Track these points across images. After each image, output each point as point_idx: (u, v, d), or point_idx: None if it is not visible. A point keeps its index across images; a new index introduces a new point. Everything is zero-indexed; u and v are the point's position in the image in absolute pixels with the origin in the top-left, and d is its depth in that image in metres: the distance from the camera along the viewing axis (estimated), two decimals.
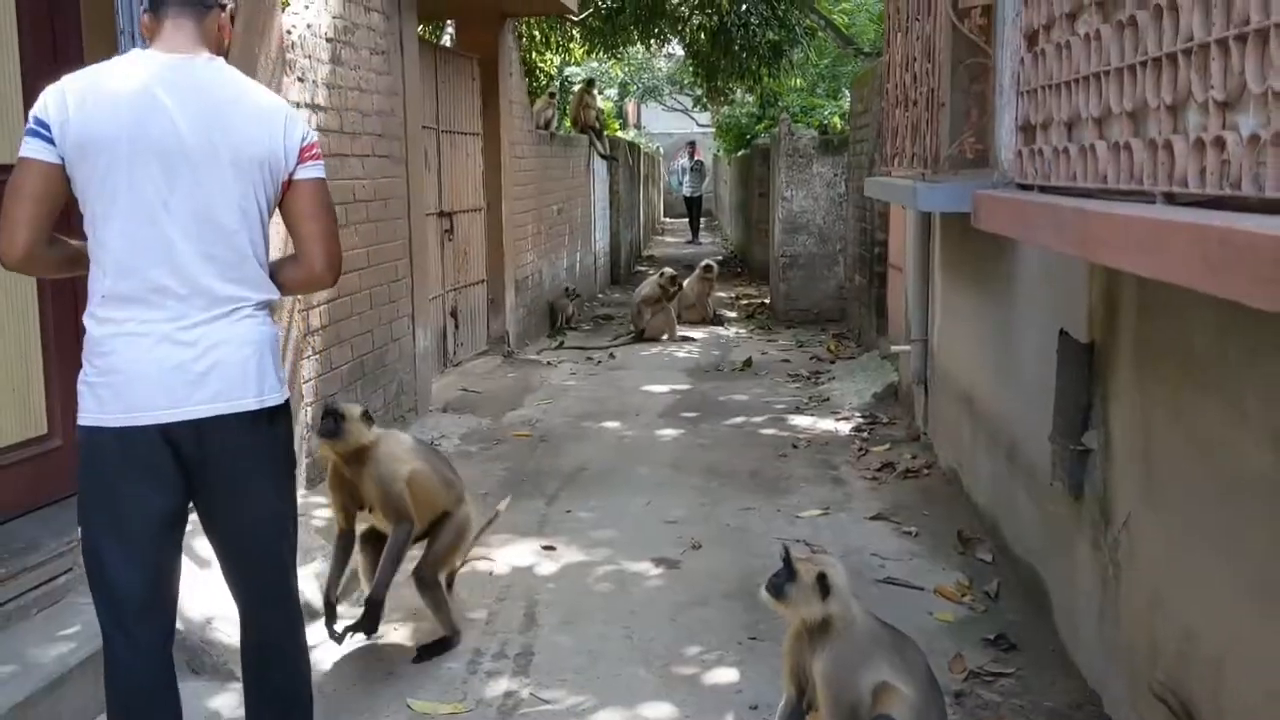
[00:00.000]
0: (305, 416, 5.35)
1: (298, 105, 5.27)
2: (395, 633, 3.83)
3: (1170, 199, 1.97)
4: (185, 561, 3.61)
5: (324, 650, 3.67)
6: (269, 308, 2.53)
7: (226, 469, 2.45)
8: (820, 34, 17.97)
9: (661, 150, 35.66)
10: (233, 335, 2.39)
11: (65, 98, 2.31)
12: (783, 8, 16.35)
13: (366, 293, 6.17)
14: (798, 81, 22.47)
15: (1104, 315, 3.19)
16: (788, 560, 2.62)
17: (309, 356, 5.39)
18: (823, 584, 2.59)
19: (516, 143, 9.83)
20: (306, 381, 5.37)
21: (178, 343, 2.34)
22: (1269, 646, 2.23)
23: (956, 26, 4.06)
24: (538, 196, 10.79)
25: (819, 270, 11.29)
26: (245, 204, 2.40)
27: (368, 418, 3.49)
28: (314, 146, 2.52)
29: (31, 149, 2.30)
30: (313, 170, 2.51)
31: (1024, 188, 3.01)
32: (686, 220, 25.87)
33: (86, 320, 2.39)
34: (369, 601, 3.58)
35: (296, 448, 5.18)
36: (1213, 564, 2.50)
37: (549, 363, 9.18)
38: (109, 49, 3.83)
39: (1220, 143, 1.75)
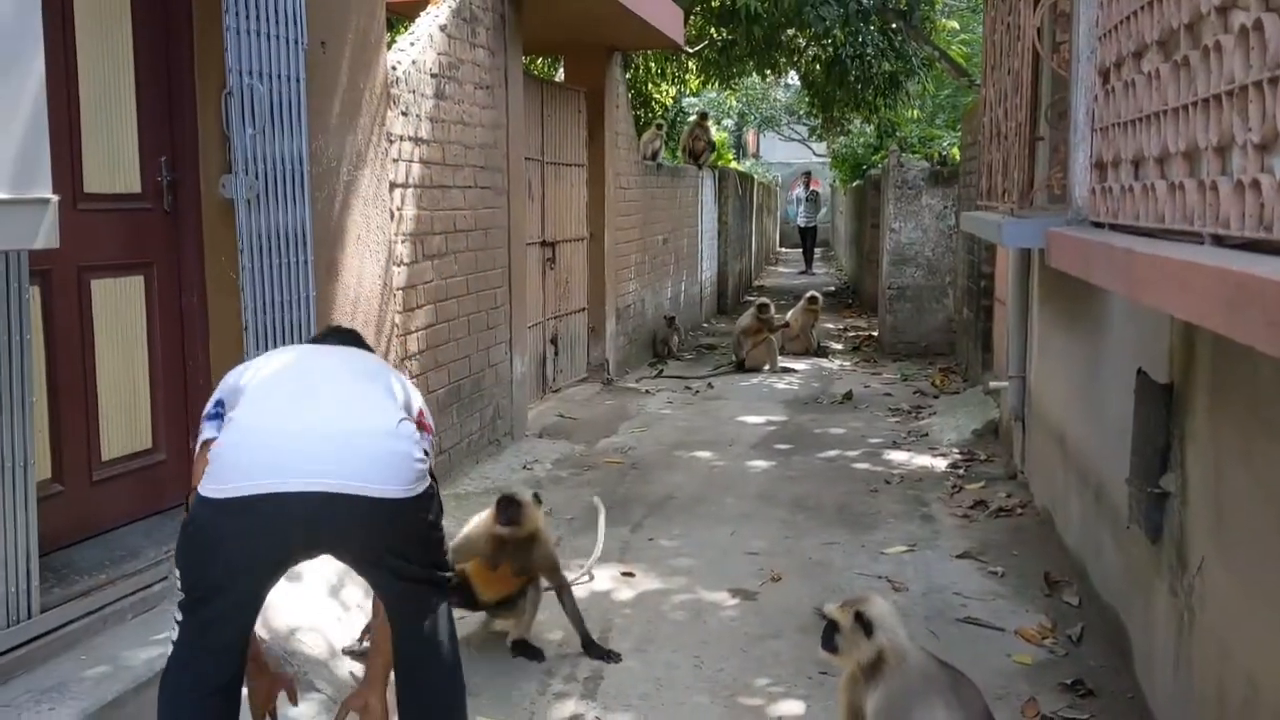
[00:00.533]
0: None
1: (400, 138, 5.48)
2: (472, 657, 3.91)
3: (1218, 240, 1.95)
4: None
5: None
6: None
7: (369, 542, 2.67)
8: (937, 65, 17.78)
9: (779, 180, 35.64)
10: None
11: None
12: (899, 39, 16.25)
13: (465, 319, 6.34)
14: (915, 113, 22.27)
15: (1183, 356, 3.12)
16: (822, 615, 2.65)
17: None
18: (862, 622, 2.59)
19: (621, 173, 9.98)
20: None
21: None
22: None
23: (1044, 61, 4.03)
24: (642, 226, 10.92)
25: (927, 303, 11.15)
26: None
27: (537, 499, 3.95)
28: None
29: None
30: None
31: (1097, 225, 2.97)
32: (800, 250, 25.77)
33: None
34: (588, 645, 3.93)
35: None
36: (1275, 612, 2.42)
37: (647, 391, 9.26)
38: (218, 88, 4.07)
39: (1257, 185, 1.73)
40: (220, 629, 2.53)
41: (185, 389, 4.24)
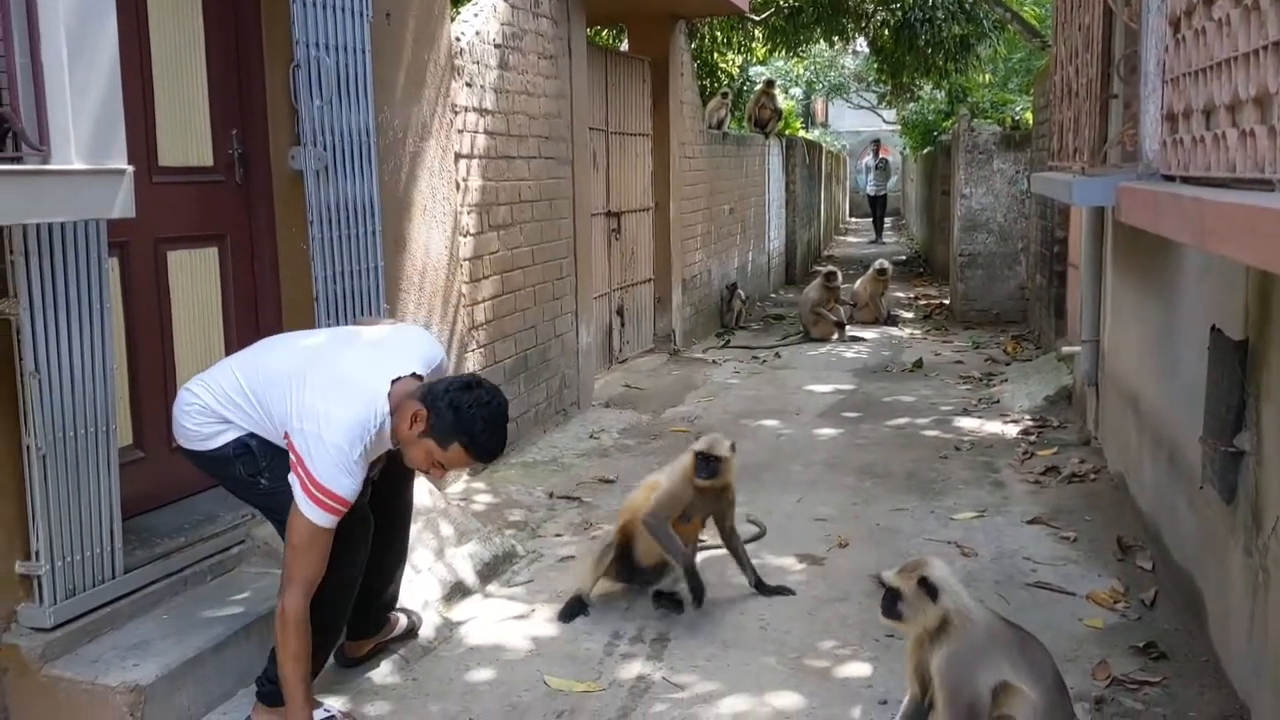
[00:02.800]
0: None
1: (465, 109, 5.52)
2: (539, 616, 3.97)
3: None
4: None
5: (471, 627, 3.86)
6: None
7: None
8: (1010, 27, 17.41)
9: (847, 148, 35.23)
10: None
11: None
12: (970, 1, 15.94)
13: (531, 290, 6.39)
14: (987, 77, 21.85)
15: (1258, 312, 3.04)
16: (882, 583, 2.64)
17: (472, 350, 5.63)
18: (927, 587, 2.58)
19: (686, 143, 9.94)
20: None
21: None
22: None
23: (1115, 15, 3.94)
24: (708, 196, 10.88)
25: (999, 270, 10.98)
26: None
27: (733, 448, 4.04)
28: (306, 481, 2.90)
29: None
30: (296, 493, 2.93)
31: (1168, 179, 2.91)
32: (870, 219, 25.48)
33: None
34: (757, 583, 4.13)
35: None
36: None
37: (713, 361, 9.25)
38: (285, 61, 4.13)
39: None
40: None
41: None
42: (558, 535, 4.85)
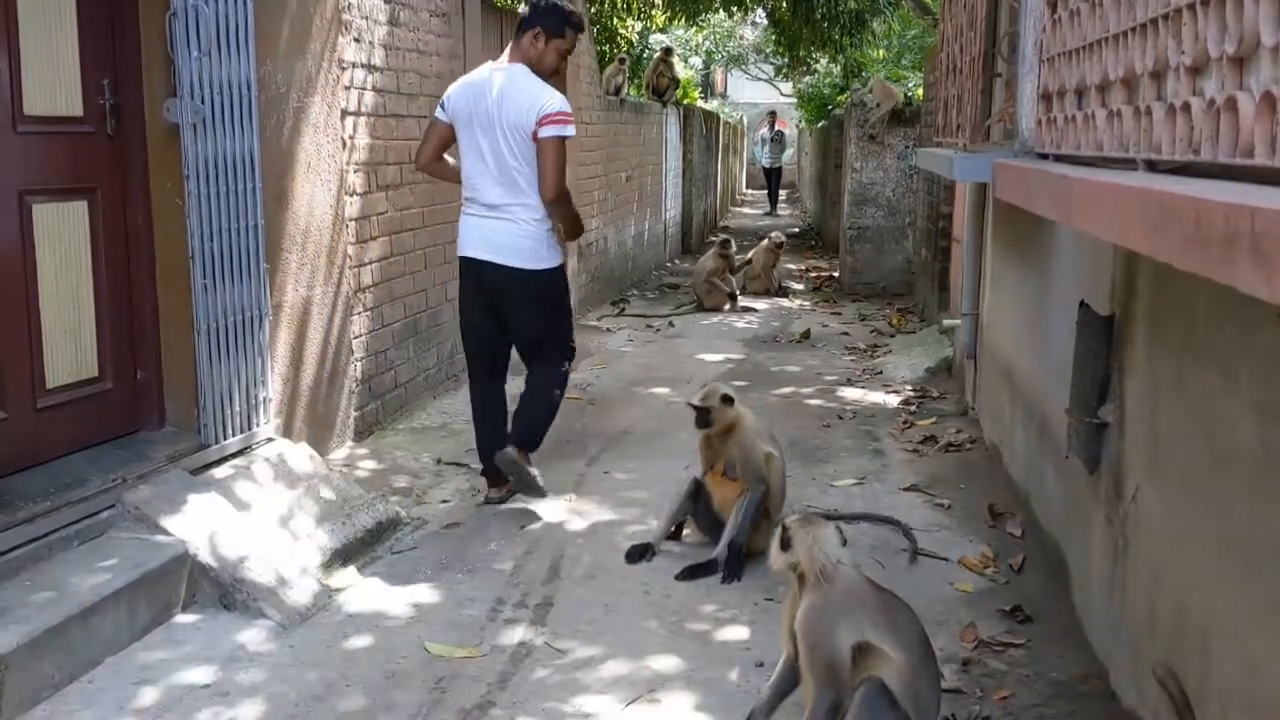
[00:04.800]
0: (354, 371, 5.50)
1: (353, 65, 5.39)
2: (421, 583, 3.94)
3: (1151, 166, 1.96)
4: (224, 506, 3.80)
5: (351, 594, 3.82)
6: (530, 211, 4.49)
7: (506, 297, 4.59)
8: (904, 3, 17.67)
9: (745, 120, 35.43)
10: (504, 227, 4.51)
11: (451, 90, 4.65)
12: None
13: (421, 252, 6.30)
14: (881, 53, 22.15)
15: (1124, 288, 3.15)
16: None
17: (359, 313, 5.53)
18: (784, 536, 2.65)
19: (584, 108, 9.87)
20: (357, 337, 5.52)
21: (483, 219, 4.56)
22: (1248, 618, 2.22)
23: None
24: (606, 163, 10.83)
25: (887, 243, 11.19)
26: (524, 152, 4.42)
27: (728, 400, 4.14)
28: (551, 117, 4.37)
29: (437, 114, 4.68)
30: (546, 130, 4.37)
31: (1043, 157, 2.99)
32: (765, 192, 25.72)
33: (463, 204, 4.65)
34: (733, 546, 4.01)
35: (347, 401, 5.34)
36: (1202, 537, 2.49)
37: (608, 329, 9.26)
38: (161, 10, 3.98)
39: (1187, 109, 1.74)
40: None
41: (130, 317, 4.20)
42: (444, 502, 4.81)
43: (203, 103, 4.12)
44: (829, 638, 2.60)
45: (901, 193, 11.04)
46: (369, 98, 5.58)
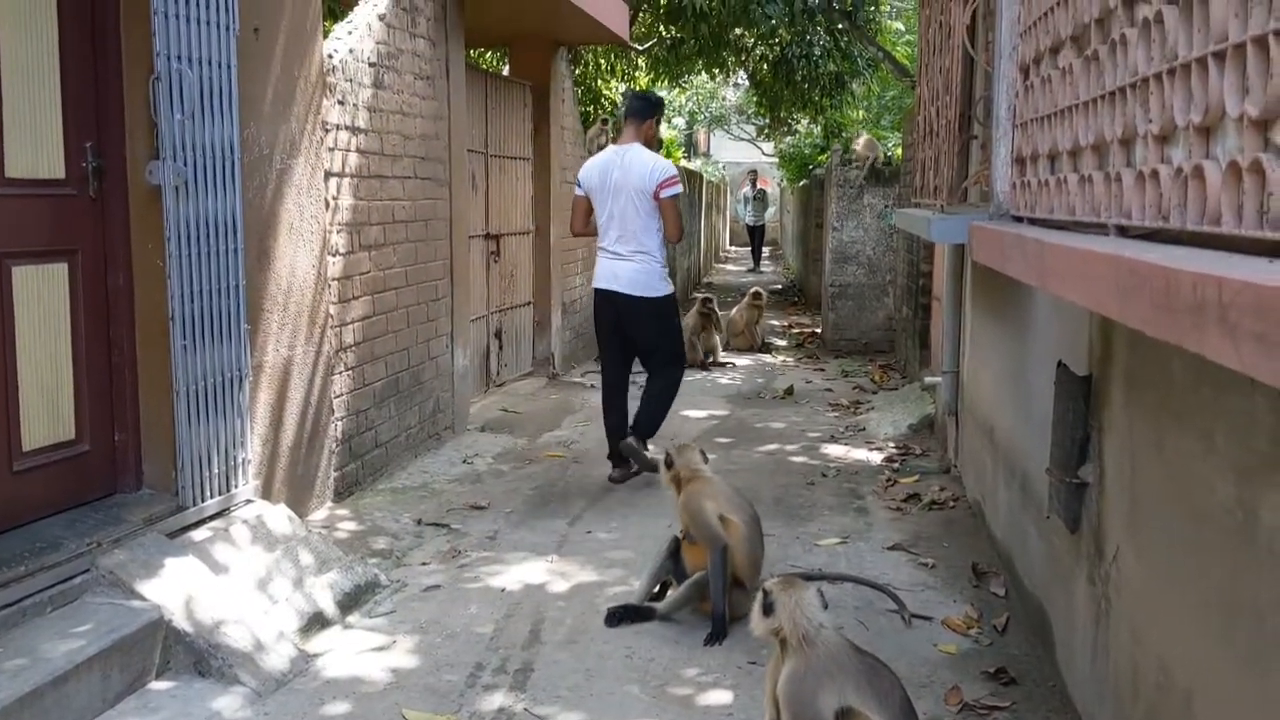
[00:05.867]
0: (335, 431, 5.48)
1: (337, 127, 5.43)
2: (400, 648, 3.90)
3: (1122, 231, 1.99)
4: (200, 570, 3.77)
5: (329, 659, 3.77)
6: (654, 256, 6.04)
7: (631, 318, 6.09)
8: (882, 66, 17.95)
9: (728, 178, 35.77)
10: (628, 266, 6.00)
11: (583, 171, 6.24)
12: (845, 39, 16.39)
13: (404, 311, 6.30)
14: (860, 113, 22.45)
15: (1101, 349, 3.17)
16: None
17: (340, 372, 5.52)
18: (765, 601, 2.64)
19: (567, 168, 9.96)
20: (338, 397, 5.50)
21: (613, 260, 6.05)
22: (1230, 677, 2.21)
23: (973, 59, 4.09)
24: None
25: (868, 301, 11.26)
26: (644, 210, 5.94)
27: (668, 463, 4.33)
28: (667, 183, 5.94)
29: (577, 192, 6.28)
30: (666, 192, 5.95)
31: (1017, 219, 3.02)
32: (749, 249, 25.90)
33: (598, 251, 6.17)
34: (714, 615, 4.00)
35: (327, 461, 5.31)
36: (1183, 597, 2.48)
37: (592, 385, 9.23)
38: (145, 74, 4.01)
39: (1156, 176, 1.76)
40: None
41: (110, 379, 4.18)
42: (424, 564, 4.76)
43: (185, 165, 4.13)
44: (811, 703, 2.58)
45: (882, 251, 11.13)
46: (353, 159, 5.62)
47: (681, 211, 6.25)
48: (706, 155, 39.82)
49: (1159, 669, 2.62)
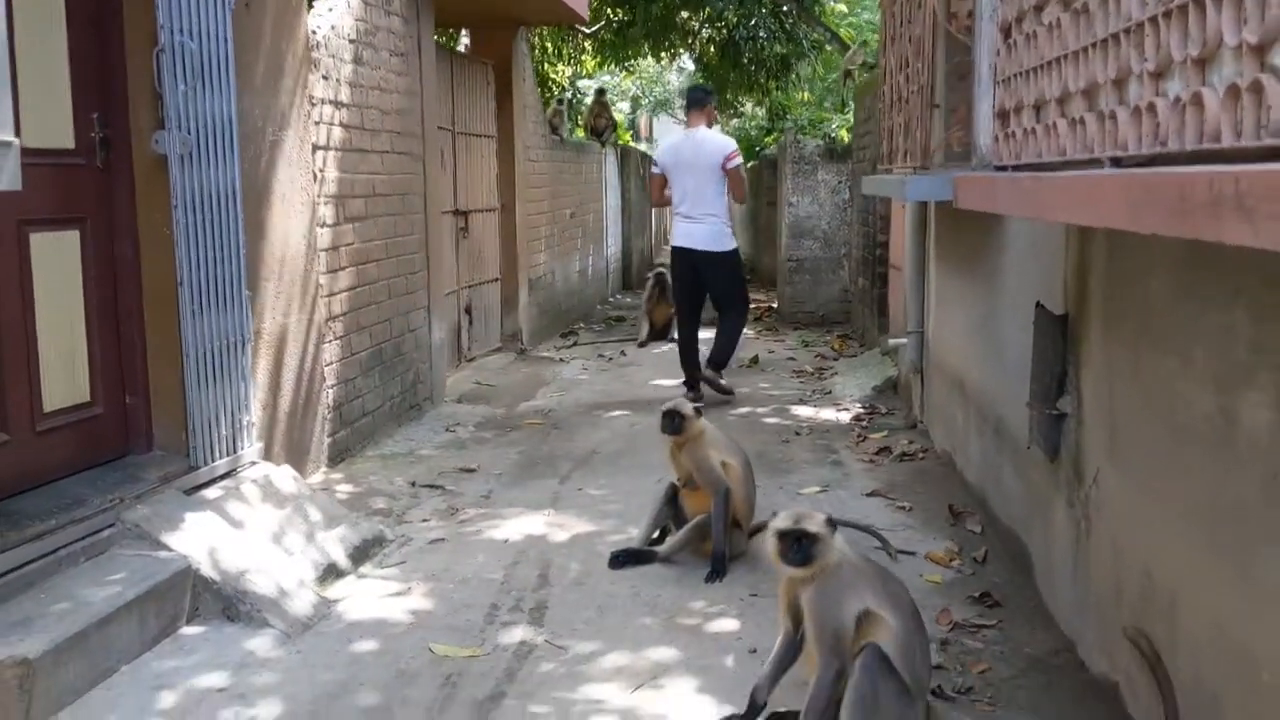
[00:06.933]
0: (327, 398, 5.62)
1: (322, 101, 5.55)
2: (416, 592, 4.07)
3: (1116, 163, 2.22)
4: (219, 524, 3.91)
5: (349, 604, 3.93)
6: (721, 218, 7.40)
7: (705, 270, 7.46)
8: (828, 47, 18.26)
9: None
10: (701, 227, 7.37)
11: (658, 152, 7.85)
12: (790, 22, 16.65)
13: (385, 283, 6.44)
14: (805, 95, 22.75)
15: (1076, 288, 3.44)
16: (790, 533, 2.86)
17: (330, 341, 5.65)
18: (831, 524, 2.87)
19: (530, 146, 10.11)
20: (328, 365, 5.64)
21: (689, 223, 7.42)
22: (1212, 577, 2.47)
23: (944, 26, 4.33)
24: (551, 199, 11.07)
25: (824, 274, 11.55)
26: (713, 180, 7.30)
27: (698, 411, 4.41)
28: (732, 156, 7.30)
29: (653, 170, 7.78)
30: (732, 164, 7.29)
31: (1000, 169, 3.26)
32: None
33: (674, 217, 7.56)
34: (715, 553, 4.22)
35: (320, 427, 5.44)
36: (1165, 505, 2.74)
37: (561, 359, 9.44)
38: (148, 46, 4.12)
39: (1153, 108, 2.00)
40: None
41: (119, 344, 4.29)
42: (424, 521, 4.93)
43: (189, 134, 4.25)
44: (839, 613, 2.80)
45: (837, 225, 11.43)
46: (336, 132, 5.74)
47: (745, 177, 7.88)
48: (650, 140, 39.97)
49: (1142, 576, 2.89)
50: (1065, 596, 3.59)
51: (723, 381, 7.46)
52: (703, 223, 7.33)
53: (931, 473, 5.56)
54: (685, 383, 7.55)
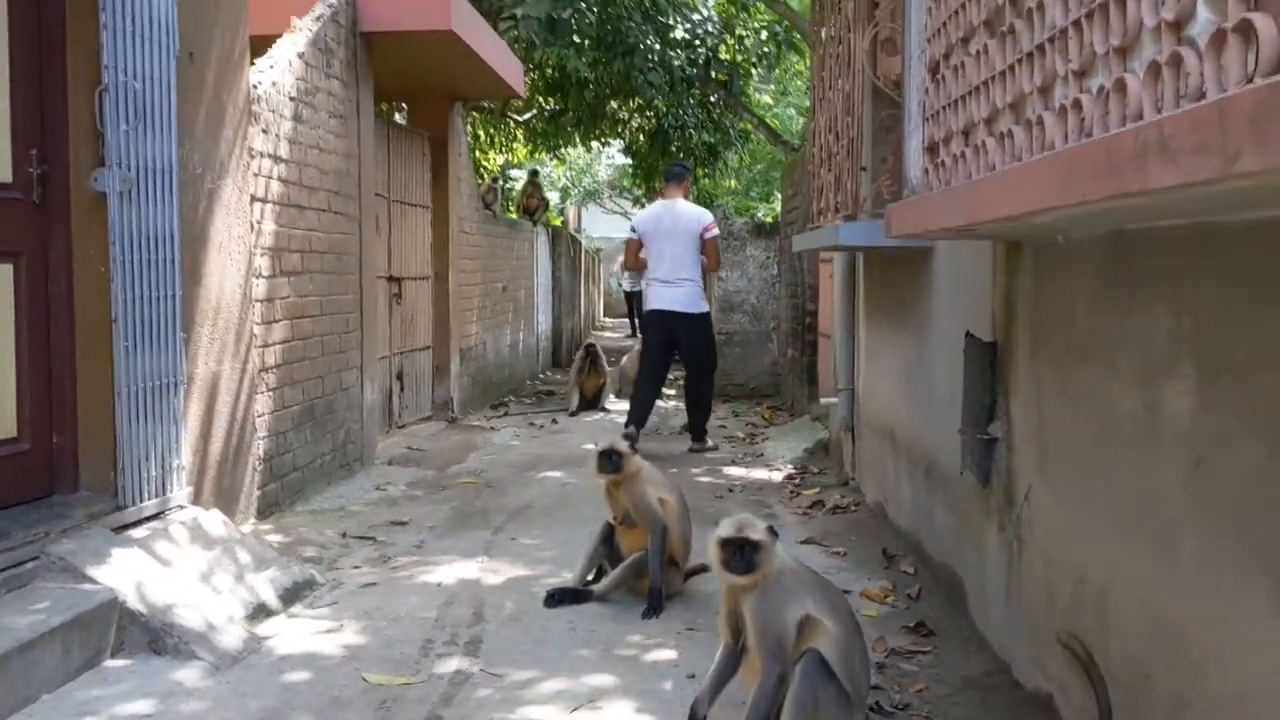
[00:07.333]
0: (258, 449, 5.54)
1: (261, 154, 5.58)
2: (348, 630, 4.00)
3: None
4: (146, 560, 3.84)
5: (279, 640, 3.85)
6: (697, 283, 7.92)
7: (680, 331, 7.91)
8: (753, 135, 18.77)
9: (601, 251, 36.41)
10: (679, 291, 7.86)
11: (636, 220, 8.25)
12: (718, 112, 17.10)
13: (319, 340, 6.41)
14: (733, 184, 23.31)
15: (1004, 316, 3.57)
16: (733, 541, 2.89)
17: (262, 392, 5.60)
18: (773, 533, 2.90)
19: (464, 218, 10.20)
20: (260, 416, 5.57)
21: (666, 287, 7.88)
22: (1140, 563, 2.55)
23: (873, 80, 4.53)
24: (484, 272, 11.13)
25: (753, 347, 11.73)
26: (690, 248, 7.87)
27: (632, 449, 4.41)
28: (710, 227, 7.93)
29: (630, 235, 8.24)
30: (710, 234, 7.92)
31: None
32: (626, 319, 26.37)
33: (649, 281, 8.09)
34: (652, 590, 4.24)
35: (250, 478, 5.37)
36: (1094, 508, 2.83)
37: (492, 427, 9.41)
38: (90, 85, 4.14)
39: (1078, 104, 2.13)
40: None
41: (49, 382, 4.22)
42: (356, 568, 4.86)
43: (130, 172, 4.26)
44: (781, 618, 2.83)
45: (765, 299, 11.64)
46: (275, 186, 5.77)
47: (719, 247, 8.31)
48: (578, 231, 40.44)
49: (1074, 579, 2.96)
50: (999, 620, 3.65)
51: (709, 443, 8.18)
52: (681, 287, 7.84)
53: (864, 523, 5.63)
54: (627, 421, 8.00)
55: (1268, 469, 2.01)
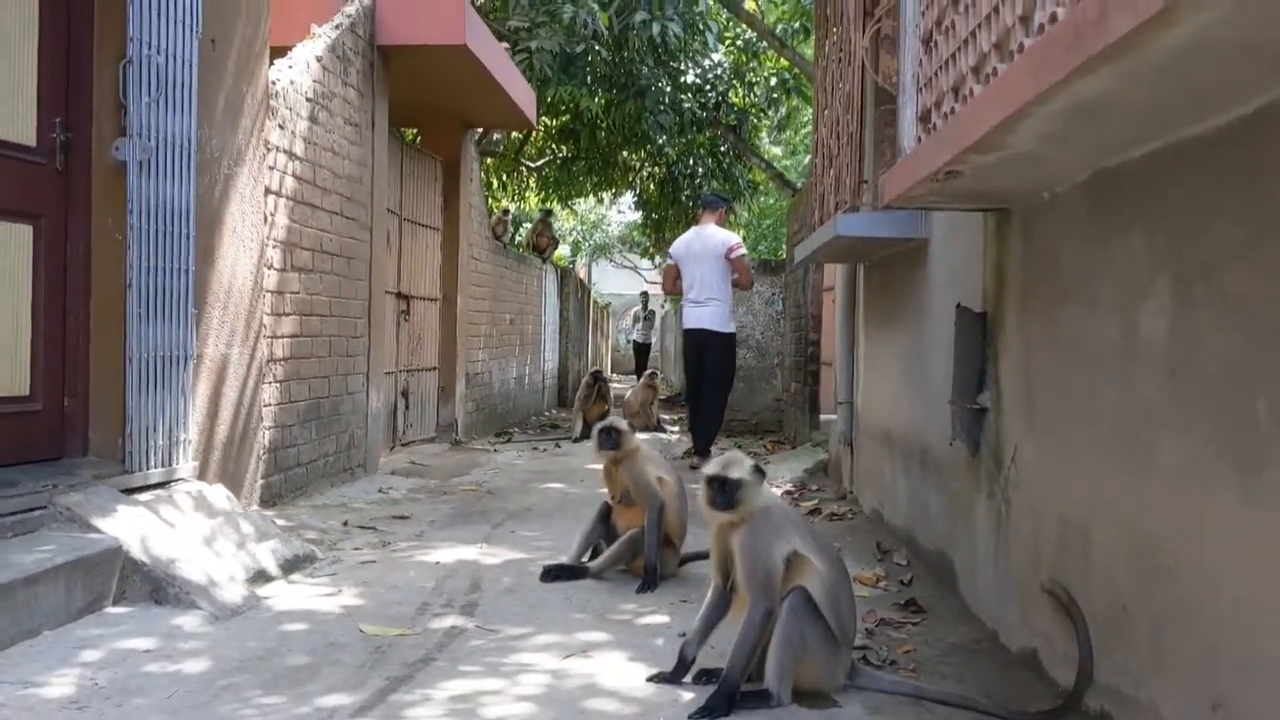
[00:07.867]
0: (263, 438, 5.61)
1: (277, 148, 5.73)
2: (346, 594, 4.04)
3: None
4: (151, 519, 3.90)
5: (278, 600, 3.90)
6: (724, 303, 8.21)
7: (706, 347, 8.22)
8: (762, 182, 18.99)
9: (611, 306, 36.66)
10: (707, 310, 8.19)
11: (675, 246, 8.57)
12: (728, 161, 17.35)
13: (327, 340, 6.51)
14: (743, 232, 23.50)
15: (995, 288, 3.65)
16: (718, 478, 2.95)
17: (270, 382, 5.68)
18: (759, 471, 2.97)
19: (474, 245, 10.35)
20: (267, 406, 5.65)
21: (696, 307, 8.24)
22: (1119, 484, 2.60)
23: (873, 77, 4.65)
24: (492, 300, 11.26)
25: (758, 383, 11.79)
26: (717, 269, 8.16)
27: (633, 428, 4.53)
28: (735, 247, 8.21)
29: (669, 261, 8.67)
30: (735, 253, 8.17)
31: None
32: (634, 372, 26.50)
33: (684, 303, 8.56)
34: (647, 566, 4.28)
35: (254, 465, 5.43)
36: (1076, 445, 2.89)
37: (496, 450, 9.46)
38: (115, 59, 4.29)
39: (1054, 18, 2.23)
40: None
41: (64, 343, 4.32)
42: (356, 549, 4.90)
43: (150, 142, 4.39)
44: (769, 554, 2.88)
45: (770, 336, 11.74)
46: (289, 182, 5.90)
47: (749, 265, 8.58)
48: (589, 287, 40.74)
49: (1058, 526, 3.01)
50: (987, 589, 3.68)
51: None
52: (708, 306, 8.17)
53: (860, 527, 5.66)
54: (695, 451, 8.40)
55: (1234, 358, 2.08)
